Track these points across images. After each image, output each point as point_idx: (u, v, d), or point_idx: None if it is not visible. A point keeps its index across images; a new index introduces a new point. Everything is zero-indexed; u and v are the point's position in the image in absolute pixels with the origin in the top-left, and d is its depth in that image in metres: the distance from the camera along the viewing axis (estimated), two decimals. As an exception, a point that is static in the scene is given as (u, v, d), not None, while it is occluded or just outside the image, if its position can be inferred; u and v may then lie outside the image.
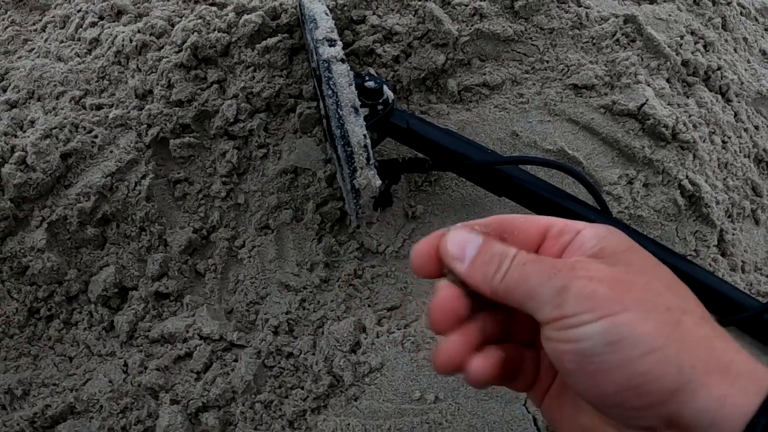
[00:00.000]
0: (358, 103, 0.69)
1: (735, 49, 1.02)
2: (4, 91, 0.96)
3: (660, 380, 0.29)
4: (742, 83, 0.97)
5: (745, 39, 1.05)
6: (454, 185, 0.89)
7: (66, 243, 0.85)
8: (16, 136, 0.88)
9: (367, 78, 0.75)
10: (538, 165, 0.83)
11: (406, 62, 0.88)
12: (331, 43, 0.71)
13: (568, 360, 0.31)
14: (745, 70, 1.01)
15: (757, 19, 1.11)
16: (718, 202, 0.86)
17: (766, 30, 1.11)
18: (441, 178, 0.89)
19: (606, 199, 0.80)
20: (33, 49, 1.04)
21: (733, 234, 0.87)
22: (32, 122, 0.89)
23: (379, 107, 0.76)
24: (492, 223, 0.36)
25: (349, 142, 0.68)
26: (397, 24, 0.87)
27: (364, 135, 0.68)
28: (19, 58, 1.04)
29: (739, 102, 0.97)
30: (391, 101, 0.76)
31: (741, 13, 1.07)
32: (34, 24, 1.11)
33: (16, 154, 0.84)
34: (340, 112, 0.68)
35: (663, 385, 0.29)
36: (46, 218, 0.84)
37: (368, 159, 0.68)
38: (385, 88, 0.76)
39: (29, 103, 0.95)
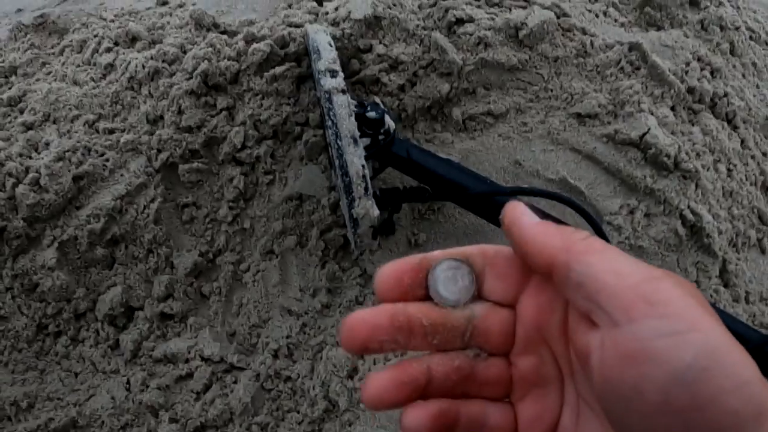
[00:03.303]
0: (357, 133, 0.75)
1: (743, 75, 1.07)
2: (22, 113, 1.05)
3: (742, 425, 0.25)
4: (749, 109, 1.02)
5: (754, 64, 1.09)
6: (457, 214, 0.95)
7: (76, 262, 0.93)
8: (30, 158, 0.96)
9: (369, 108, 0.82)
10: (537, 196, 0.89)
11: (411, 91, 0.95)
12: (333, 74, 0.78)
13: (651, 388, 0.27)
14: (754, 95, 1.05)
15: (767, 43, 1.16)
16: (720, 232, 0.91)
17: None
18: (444, 206, 0.95)
19: (606, 230, 0.85)
20: (50, 72, 1.14)
21: (737, 264, 0.91)
22: (47, 144, 0.98)
23: (381, 137, 0.83)
24: (473, 254, 0.35)
25: (347, 172, 0.75)
26: (403, 53, 0.94)
27: (363, 165, 0.75)
28: (37, 80, 1.14)
29: (746, 128, 1.01)
30: (392, 131, 0.83)
31: (750, 38, 1.11)
32: (52, 47, 1.21)
33: (30, 175, 0.92)
34: (340, 143, 0.75)
35: (746, 429, 0.25)
36: (57, 238, 0.92)
37: (366, 189, 0.75)
38: (386, 117, 0.83)
39: (45, 125, 1.04)
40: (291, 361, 0.88)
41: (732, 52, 1.08)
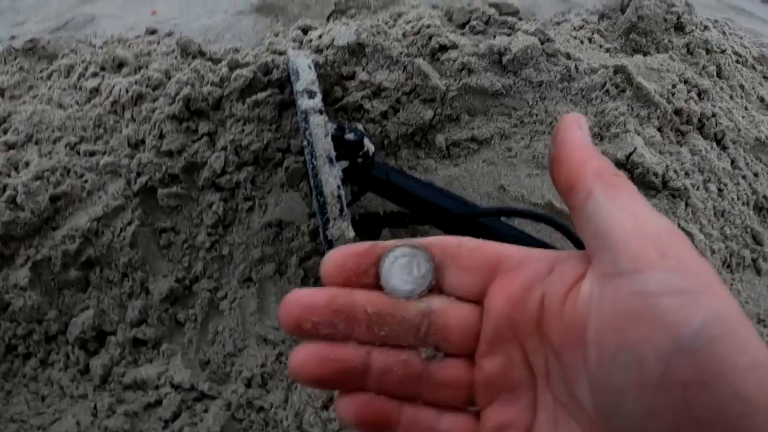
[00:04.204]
0: (333, 153, 0.76)
1: (731, 97, 1.08)
2: (5, 132, 1.07)
3: (752, 415, 0.22)
4: (739, 130, 1.03)
5: (741, 86, 1.11)
6: (439, 240, 0.95)
7: (49, 283, 0.92)
8: (9, 176, 0.97)
9: (347, 130, 0.83)
10: (520, 217, 0.89)
11: (394, 118, 0.96)
12: (311, 94, 0.79)
13: (652, 355, 0.24)
14: (743, 117, 1.06)
15: (754, 67, 1.17)
16: (713, 252, 0.90)
17: (764, 78, 1.17)
18: (427, 232, 0.95)
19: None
20: (36, 95, 1.16)
21: (732, 285, 0.90)
22: (27, 164, 0.99)
23: (359, 160, 0.83)
24: (434, 245, 0.33)
25: (322, 192, 0.75)
26: (386, 80, 0.96)
27: (338, 186, 0.75)
28: (23, 102, 1.16)
29: (736, 149, 1.02)
30: (371, 154, 0.84)
31: (737, 61, 1.13)
32: (41, 71, 1.24)
33: (7, 193, 0.93)
34: (315, 162, 0.75)
35: (756, 421, 0.22)
36: (31, 257, 0.92)
37: (341, 210, 0.75)
38: (365, 140, 0.83)
39: (27, 145, 1.05)
40: (264, 390, 0.86)
41: (719, 75, 1.09)
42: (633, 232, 0.26)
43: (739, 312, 0.24)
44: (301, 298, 0.32)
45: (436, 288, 0.33)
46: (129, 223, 0.95)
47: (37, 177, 0.95)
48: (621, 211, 0.27)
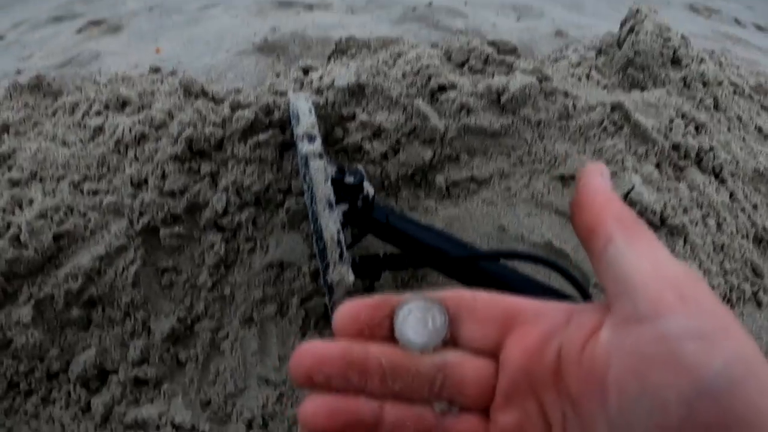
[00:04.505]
0: (333, 198, 0.77)
1: (729, 129, 1.09)
2: (9, 169, 1.09)
3: None
4: (737, 162, 1.04)
5: (739, 117, 1.12)
6: (440, 282, 0.96)
7: (51, 321, 0.94)
8: (13, 214, 0.99)
9: (347, 174, 0.85)
10: (519, 260, 0.90)
11: (394, 158, 0.98)
12: (311, 138, 0.81)
13: (674, 399, 0.24)
14: (741, 148, 1.08)
15: (751, 97, 1.18)
16: (713, 288, 0.91)
17: (762, 107, 1.18)
18: (427, 274, 0.96)
19: (593, 292, 0.86)
20: (41, 132, 1.18)
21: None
22: (31, 202, 1.01)
23: (359, 203, 0.84)
24: (448, 298, 0.33)
25: (322, 237, 0.76)
26: (386, 121, 0.97)
27: (338, 230, 0.76)
28: (28, 139, 1.18)
29: (734, 181, 1.03)
30: (371, 197, 0.85)
31: (735, 92, 1.15)
32: (46, 108, 1.26)
33: (11, 231, 0.94)
34: (315, 207, 0.76)
35: None
36: (34, 295, 0.93)
37: (341, 254, 0.76)
38: (365, 183, 0.85)
39: (31, 183, 1.07)
40: (266, 431, 0.87)
41: (716, 107, 1.11)
42: (652, 276, 0.27)
43: (760, 354, 0.24)
44: (314, 349, 0.32)
45: (450, 341, 0.33)
46: (131, 263, 0.96)
47: (41, 215, 0.97)
48: (641, 256, 0.28)
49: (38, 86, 1.30)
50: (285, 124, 0.99)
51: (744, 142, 1.11)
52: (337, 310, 0.33)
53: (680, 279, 0.26)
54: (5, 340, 0.92)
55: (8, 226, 0.96)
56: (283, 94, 1.01)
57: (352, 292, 0.79)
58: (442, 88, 1.00)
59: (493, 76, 1.04)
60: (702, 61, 1.18)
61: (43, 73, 1.30)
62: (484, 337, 0.32)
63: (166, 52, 1.30)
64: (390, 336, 0.33)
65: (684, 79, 1.13)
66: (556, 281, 0.91)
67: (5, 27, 1.84)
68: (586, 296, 0.81)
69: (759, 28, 2.33)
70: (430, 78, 1.00)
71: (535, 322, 0.31)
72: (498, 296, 0.33)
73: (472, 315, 0.32)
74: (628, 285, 0.27)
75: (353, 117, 0.98)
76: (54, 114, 1.22)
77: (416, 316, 0.33)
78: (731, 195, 1.03)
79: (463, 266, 0.85)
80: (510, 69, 1.06)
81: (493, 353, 0.33)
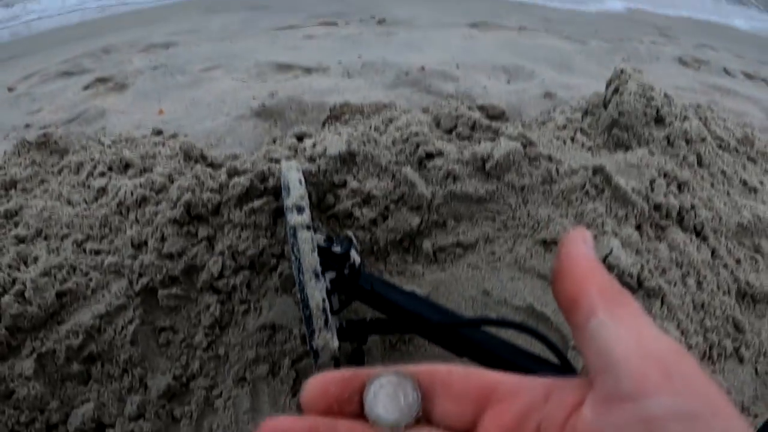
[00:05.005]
0: (319, 269, 0.82)
1: (712, 185, 1.12)
2: (16, 226, 1.15)
3: None
4: (720, 218, 1.07)
5: (723, 172, 1.15)
6: (427, 344, 1.00)
7: (52, 375, 0.98)
8: (19, 270, 1.04)
9: (335, 243, 0.90)
10: (502, 326, 0.94)
11: (383, 224, 1.03)
12: (299, 210, 0.86)
13: None
14: (724, 203, 1.11)
15: (737, 150, 1.21)
16: (690, 347, 0.94)
17: (748, 159, 1.21)
18: (414, 337, 1.00)
19: (572, 355, 0.89)
20: (47, 189, 1.24)
21: (712, 377, 0.94)
22: (36, 259, 1.06)
23: (346, 271, 0.89)
24: (421, 372, 0.32)
25: (308, 305, 0.81)
26: (375, 188, 1.03)
27: (323, 299, 0.81)
28: (35, 196, 1.24)
29: (716, 238, 1.06)
30: (357, 265, 0.90)
31: (720, 146, 1.18)
32: (52, 166, 1.33)
33: (16, 287, 0.99)
34: (302, 277, 0.81)
35: None
36: (36, 349, 0.98)
37: (326, 322, 0.81)
38: (352, 252, 0.90)
39: (36, 240, 1.13)
40: (255, 489, 0.91)
41: (700, 163, 1.14)
42: (636, 352, 0.26)
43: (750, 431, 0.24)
44: (279, 425, 0.31)
45: (423, 418, 0.32)
46: (130, 322, 1.01)
47: (45, 273, 1.02)
48: (625, 330, 0.27)
49: (45, 144, 1.36)
50: (279, 191, 1.04)
51: (728, 196, 1.14)
52: (305, 384, 0.32)
53: (666, 355, 0.26)
54: (8, 391, 0.96)
55: (14, 282, 1.01)
56: (278, 161, 1.07)
57: (338, 357, 0.83)
58: (429, 156, 1.05)
59: (479, 142, 1.10)
60: (685, 118, 1.22)
61: (50, 131, 1.37)
62: (459, 414, 0.31)
63: (168, 114, 1.37)
64: (360, 412, 0.32)
65: (667, 137, 1.17)
66: (537, 345, 0.95)
67: (17, 78, 1.92)
68: (564, 361, 0.84)
69: (748, 76, 2.38)
70: (418, 146, 1.05)
71: (513, 399, 0.30)
72: (474, 370, 0.31)
73: (447, 391, 0.31)
74: (610, 360, 0.26)
75: (344, 184, 1.04)
76: (60, 172, 1.28)
77: (387, 391, 0.31)
78: (713, 252, 1.05)
79: (445, 333, 0.89)
80: (496, 135, 1.11)
81: (468, 430, 0.31)
